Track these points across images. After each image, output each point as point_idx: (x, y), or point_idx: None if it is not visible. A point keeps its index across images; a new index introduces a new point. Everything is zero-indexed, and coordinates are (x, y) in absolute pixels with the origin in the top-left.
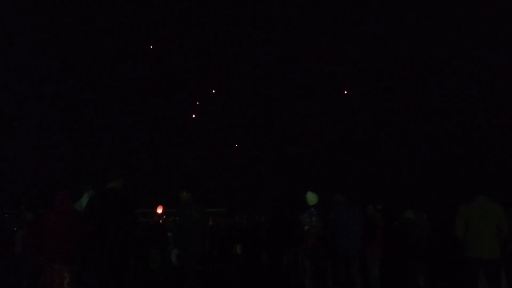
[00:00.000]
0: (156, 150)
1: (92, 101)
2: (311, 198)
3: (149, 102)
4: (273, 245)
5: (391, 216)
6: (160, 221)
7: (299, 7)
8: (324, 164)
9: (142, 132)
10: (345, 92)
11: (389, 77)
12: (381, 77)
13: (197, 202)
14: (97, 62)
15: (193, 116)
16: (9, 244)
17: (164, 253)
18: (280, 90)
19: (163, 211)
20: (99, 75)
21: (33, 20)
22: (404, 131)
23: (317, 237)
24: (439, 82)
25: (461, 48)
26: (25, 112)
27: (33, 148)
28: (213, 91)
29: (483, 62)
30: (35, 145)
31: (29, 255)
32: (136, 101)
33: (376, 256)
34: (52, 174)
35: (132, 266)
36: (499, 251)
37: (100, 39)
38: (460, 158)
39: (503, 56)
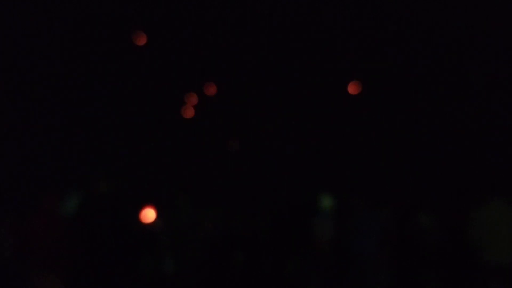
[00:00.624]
0: (151, 149)
1: (80, 97)
2: (325, 201)
3: (143, 98)
4: (274, 252)
5: (402, 220)
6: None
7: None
8: (332, 164)
9: (135, 130)
10: (349, 91)
11: (397, 76)
12: (389, 76)
13: (193, 205)
14: (89, 59)
15: (192, 111)
16: None
17: (157, 260)
18: (283, 85)
19: (155, 215)
20: (91, 71)
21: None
22: (413, 130)
23: (328, 244)
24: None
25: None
26: (5, 109)
27: (15, 148)
28: (214, 88)
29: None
30: (16, 144)
31: (15, 262)
32: (130, 96)
33: (384, 263)
34: (35, 175)
35: (124, 273)
36: None
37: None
38: (473, 158)
39: None
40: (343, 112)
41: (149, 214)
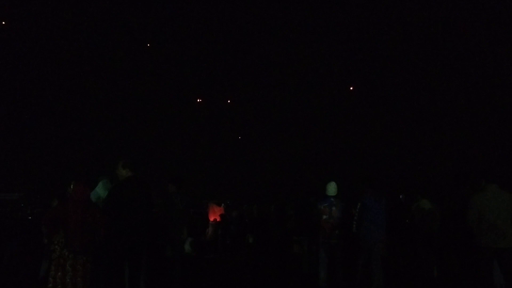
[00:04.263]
0: (165, 143)
1: (104, 97)
2: (332, 188)
3: (156, 95)
4: (281, 235)
5: (405, 206)
6: None
7: (305, 5)
8: (332, 156)
9: (150, 125)
10: (351, 88)
11: (397, 71)
12: (389, 71)
13: (182, 194)
14: (105, 59)
15: (199, 101)
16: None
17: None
18: (289, 84)
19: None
20: (104, 71)
21: (32, 16)
22: (415, 122)
23: (333, 227)
24: (444, 75)
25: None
26: (36, 105)
27: (46, 140)
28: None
29: (484, 56)
30: (47, 136)
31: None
32: (144, 94)
33: (387, 242)
34: (63, 165)
35: (147, 253)
36: None
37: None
38: (470, 148)
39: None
40: (348, 114)
41: None
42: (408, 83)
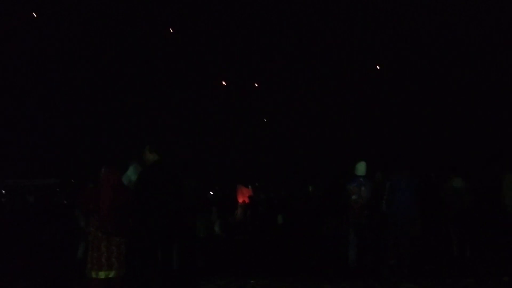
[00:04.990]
0: (191, 127)
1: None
2: (361, 168)
3: (175, 79)
4: (311, 215)
5: (436, 185)
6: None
7: None
8: (361, 134)
9: (176, 109)
10: (378, 67)
11: (429, 47)
12: (419, 47)
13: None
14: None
15: (223, 83)
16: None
17: (208, 224)
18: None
19: None
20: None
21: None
22: (446, 100)
23: (363, 206)
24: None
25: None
26: (69, 93)
27: (81, 126)
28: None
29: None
30: (82, 123)
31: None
32: (170, 77)
33: (416, 220)
34: (98, 150)
35: (178, 235)
36: None
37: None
38: (504, 127)
39: None
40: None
41: None
42: (437, 60)
